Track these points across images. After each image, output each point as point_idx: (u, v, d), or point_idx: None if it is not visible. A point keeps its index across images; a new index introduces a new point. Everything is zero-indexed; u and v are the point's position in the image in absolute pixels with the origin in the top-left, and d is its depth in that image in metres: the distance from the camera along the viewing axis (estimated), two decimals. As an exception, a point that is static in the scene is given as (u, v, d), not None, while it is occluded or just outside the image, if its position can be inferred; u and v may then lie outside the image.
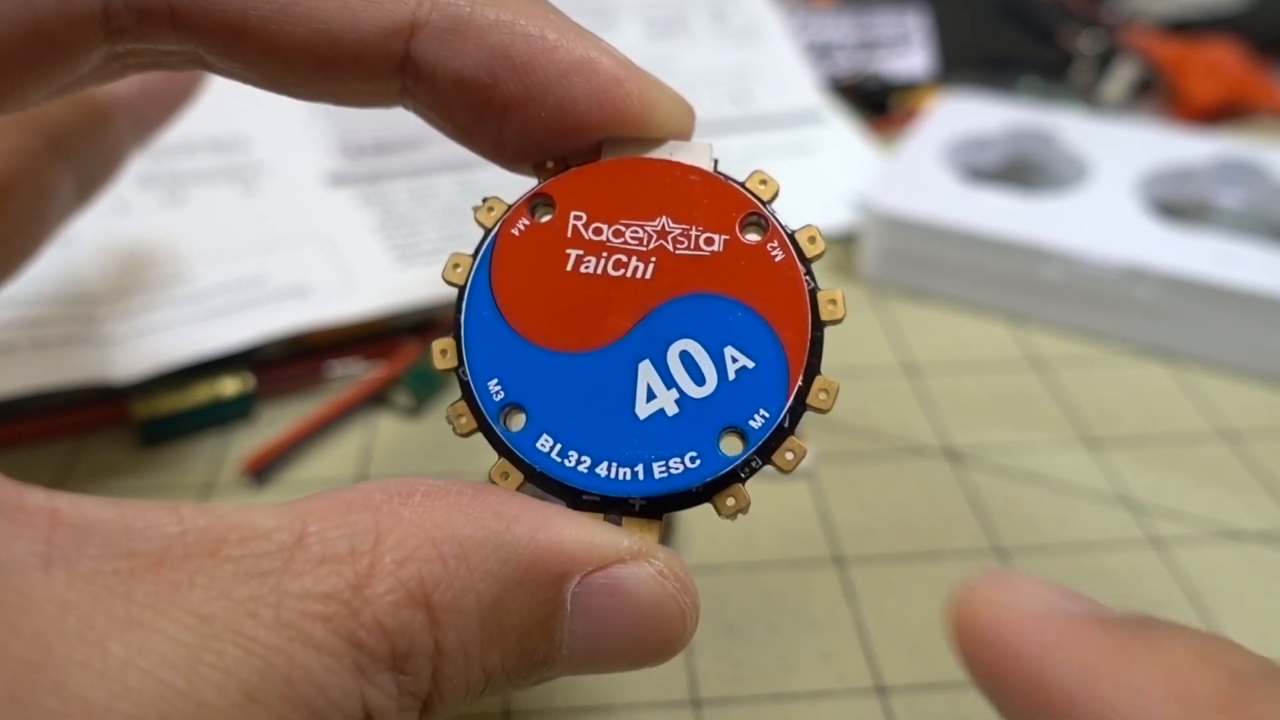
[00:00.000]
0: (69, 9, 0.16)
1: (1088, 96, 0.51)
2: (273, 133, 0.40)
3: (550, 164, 0.18)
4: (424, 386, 0.33)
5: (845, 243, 0.41)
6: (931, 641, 0.26)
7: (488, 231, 0.17)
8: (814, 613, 0.26)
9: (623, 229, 0.17)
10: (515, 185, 0.19)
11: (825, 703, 0.24)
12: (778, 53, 0.50)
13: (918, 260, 0.38)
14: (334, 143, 0.41)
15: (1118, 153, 0.41)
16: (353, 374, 0.34)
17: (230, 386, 0.32)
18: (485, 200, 0.18)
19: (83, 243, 0.34)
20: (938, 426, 0.33)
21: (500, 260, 0.17)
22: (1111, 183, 0.39)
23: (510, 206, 0.17)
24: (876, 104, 0.50)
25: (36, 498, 0.12)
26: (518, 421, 0.16)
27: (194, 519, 0.13)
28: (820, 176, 0.44)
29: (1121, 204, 0.38)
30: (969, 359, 0.36)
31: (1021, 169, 0.43)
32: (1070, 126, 0.43)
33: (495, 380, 0.16)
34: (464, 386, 0.17)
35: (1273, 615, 0.27)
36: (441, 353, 0.17)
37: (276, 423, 0.32)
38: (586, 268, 0.17)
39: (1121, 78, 0.51)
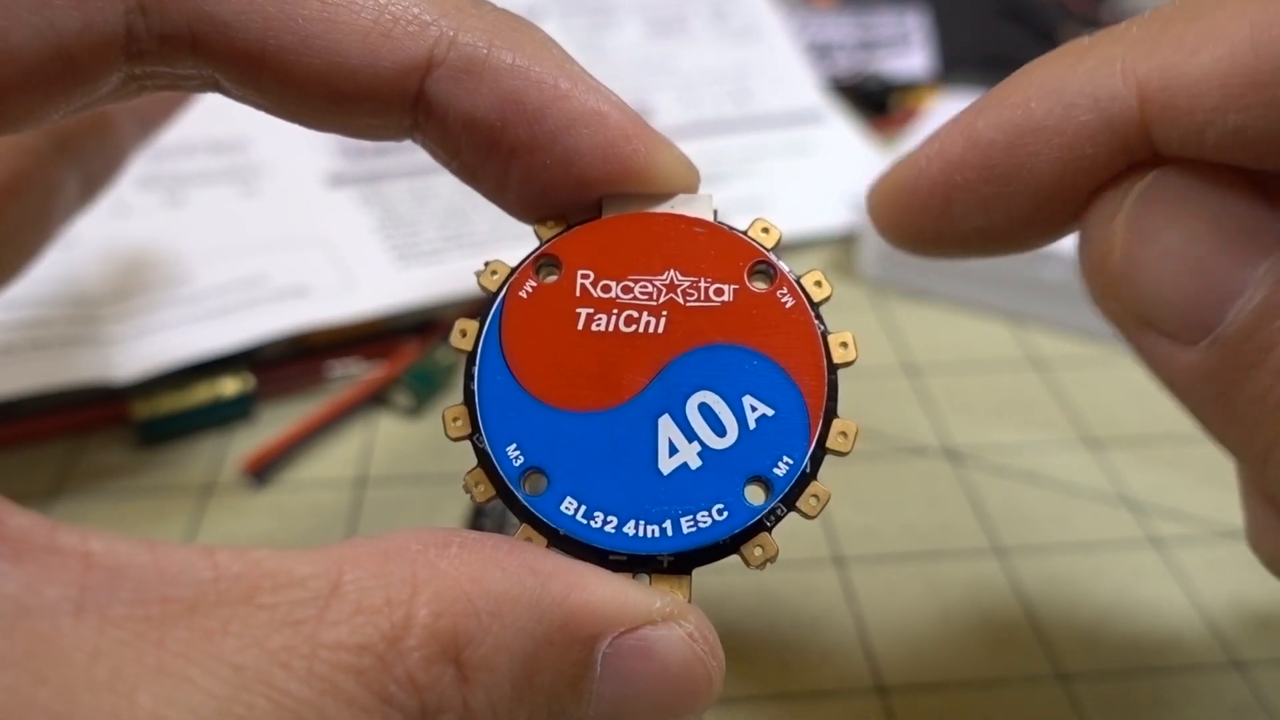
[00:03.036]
0: (91, 33, 0.16)
1: (1088, 96, 0.51)
2: (272, 133, 0.40)
3: (550, 222, 0.18)
4: (424, 386, 0.33)
5: (845, 243, 0.41)
6: (931, 641, 0.26)
7: (493, 295, 0.17)
8: (814, 613, 0.26)
9: (631, 285, 0.17)
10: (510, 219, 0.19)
11: (825, 703, 0.24)
12: (778, 52, 0.50)
13: (918, 260, 0.38)
14: (334, 143, 0.41)
15: (1118, 153, 0.41)
16: (353, 374, 0.34)
17: (230, 386, 0.32)
18: (487, 264, 0.17)
19: (83, 244, 0.34)
20: (938, 426, 0.33)
21: (510, 323, 0.17)
22: (1111, 183, 0.39)
23: (514, 269, 0.17)
24: (876, 104, 0.50)
25: (70, 539, 0.12)
26: (539, 485, 0.16)
27: (229, 564, 0.12)
28: (820, 176, 0.44)
29: (1121, 204, 0.38)
30: (969, 359, 0.36)
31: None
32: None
33: (514, 445, 0.16)
34: (480, 454, 0.16)
35: (1273, 615, 0.27)
36: (454, 420, 0.16)
37: (276, 423, 0.32)
38: (598, 326, 0.17)
39: (1121, 78, 0.51)
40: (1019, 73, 0.17)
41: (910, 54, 0.54)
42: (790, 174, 0.44)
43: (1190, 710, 0.24)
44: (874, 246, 0.39)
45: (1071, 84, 0.16)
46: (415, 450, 0.32)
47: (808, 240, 0.41)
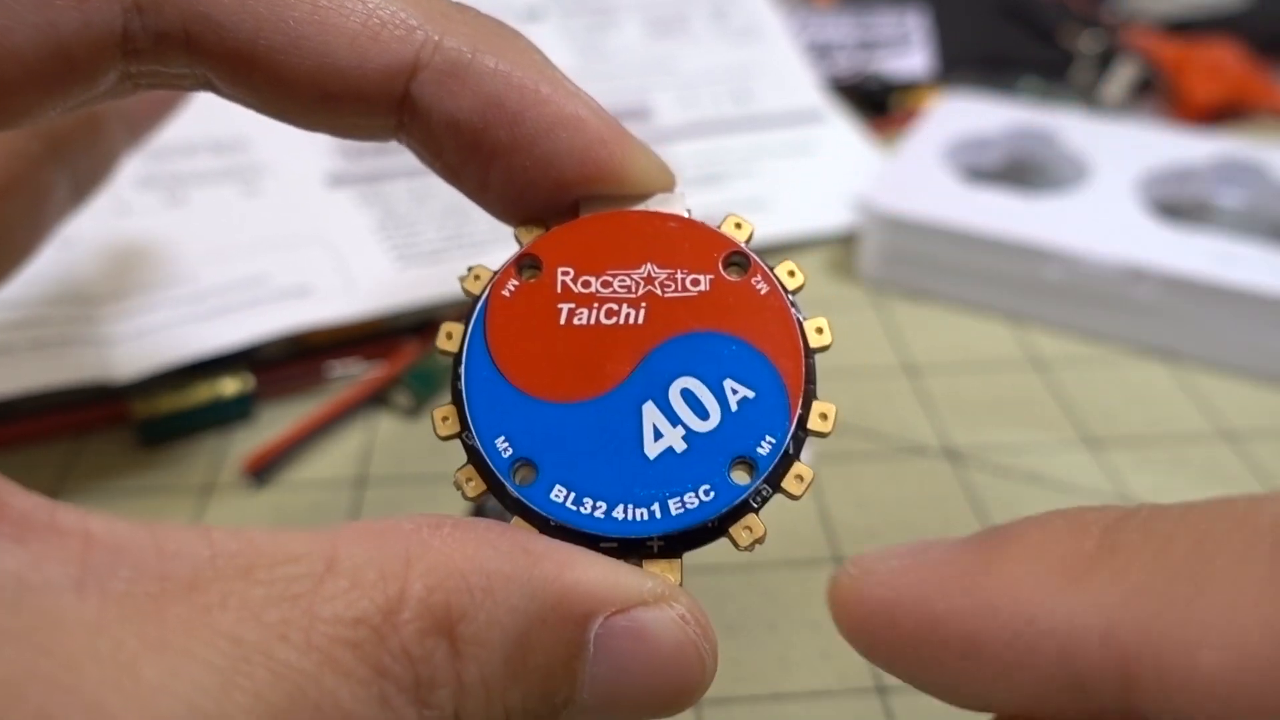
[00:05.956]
0: (91, 32, 0.16)
1: (1088, 96, 0.51)
2: (273, 133, 0.40)
3: (531, 227, 0.18)
4: (424, 386, 0.33)
5: (845, 243, 0.41)
6: (931, 641, 0.26)
7: (476, 297, 0.18)
8: (814, 613, 0.26)
9: (610, 279, 0.17)
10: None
11: (825, 703, 0.24)
12: (778, 52, 0.50)
13: (918, 260, 0.38)
14: (334, 143, 0.41)
15: (1118, 153, 0.41)
16: (353, 374, 0.34)
17: (230, 386, 0.32)
18: (470, 269, 0.18)
19: (83, 243, 0.34)
20: (938, 426, 0.33)
21: (494, 322, 0.17)
22: (1112, 183, 0.39)
23: (497, 271, 0.18)
24: (876, 104, 0.50)
25: (70, 518, 0.12)
26: (529, 476, 0.16)
27: (225, 542, 0.13)
28: (820, 176, 0.44)
29: (1122, 204, 0.38)
30: (969, 359, 0.36)
31: (1021, 169, 0.43)
32: (1070, 126, 0.43)
33: (502, 438, 0.16)
34: (470, 451, 0.17)
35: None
36: (443, 420, 0.17)
37: (276, 423, 0.32)
38: (579, 319, 0.17)
39: (1122, 78, 0.51)
40: (998, 539, 0.14)
41: (910, 54, 0.54)
42: (790, 174, 0.44)
43: (1190, 710, 0.24)
44: (874, 246, 0.39)
45: (1046, 619, 0.13)
46: (415, 450, 0.32)
47: (808, 240, 0.41)
